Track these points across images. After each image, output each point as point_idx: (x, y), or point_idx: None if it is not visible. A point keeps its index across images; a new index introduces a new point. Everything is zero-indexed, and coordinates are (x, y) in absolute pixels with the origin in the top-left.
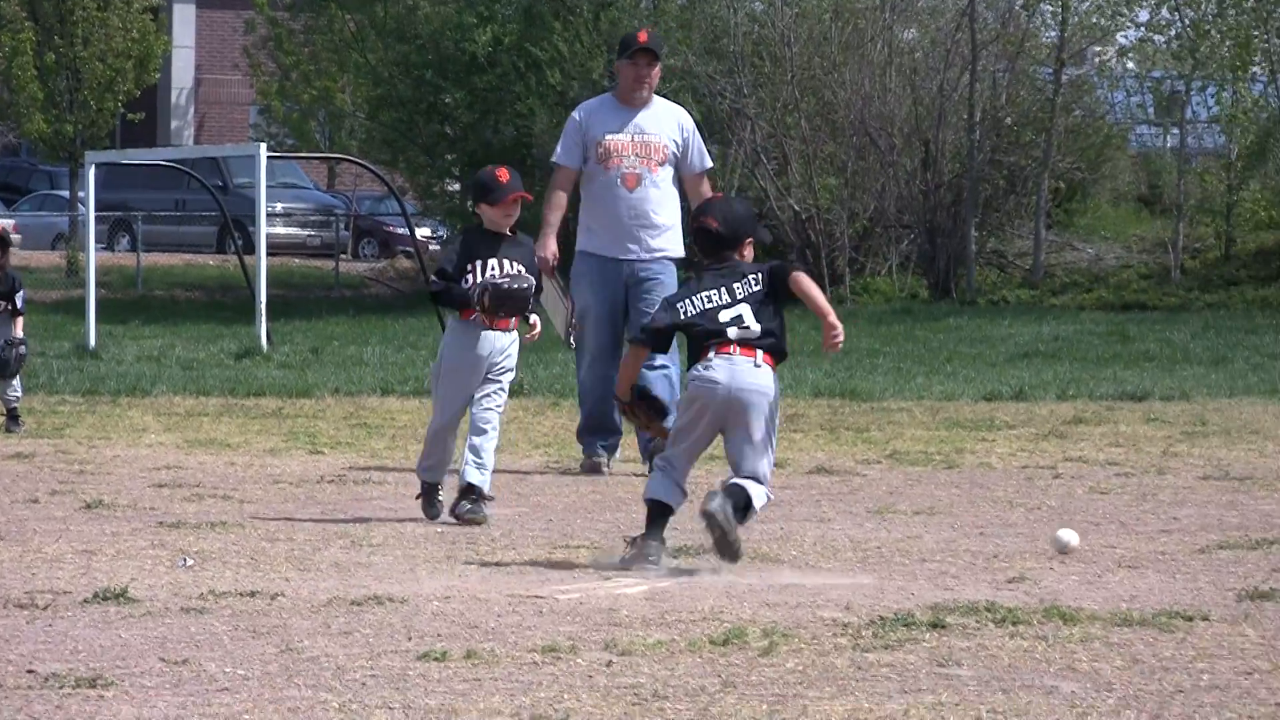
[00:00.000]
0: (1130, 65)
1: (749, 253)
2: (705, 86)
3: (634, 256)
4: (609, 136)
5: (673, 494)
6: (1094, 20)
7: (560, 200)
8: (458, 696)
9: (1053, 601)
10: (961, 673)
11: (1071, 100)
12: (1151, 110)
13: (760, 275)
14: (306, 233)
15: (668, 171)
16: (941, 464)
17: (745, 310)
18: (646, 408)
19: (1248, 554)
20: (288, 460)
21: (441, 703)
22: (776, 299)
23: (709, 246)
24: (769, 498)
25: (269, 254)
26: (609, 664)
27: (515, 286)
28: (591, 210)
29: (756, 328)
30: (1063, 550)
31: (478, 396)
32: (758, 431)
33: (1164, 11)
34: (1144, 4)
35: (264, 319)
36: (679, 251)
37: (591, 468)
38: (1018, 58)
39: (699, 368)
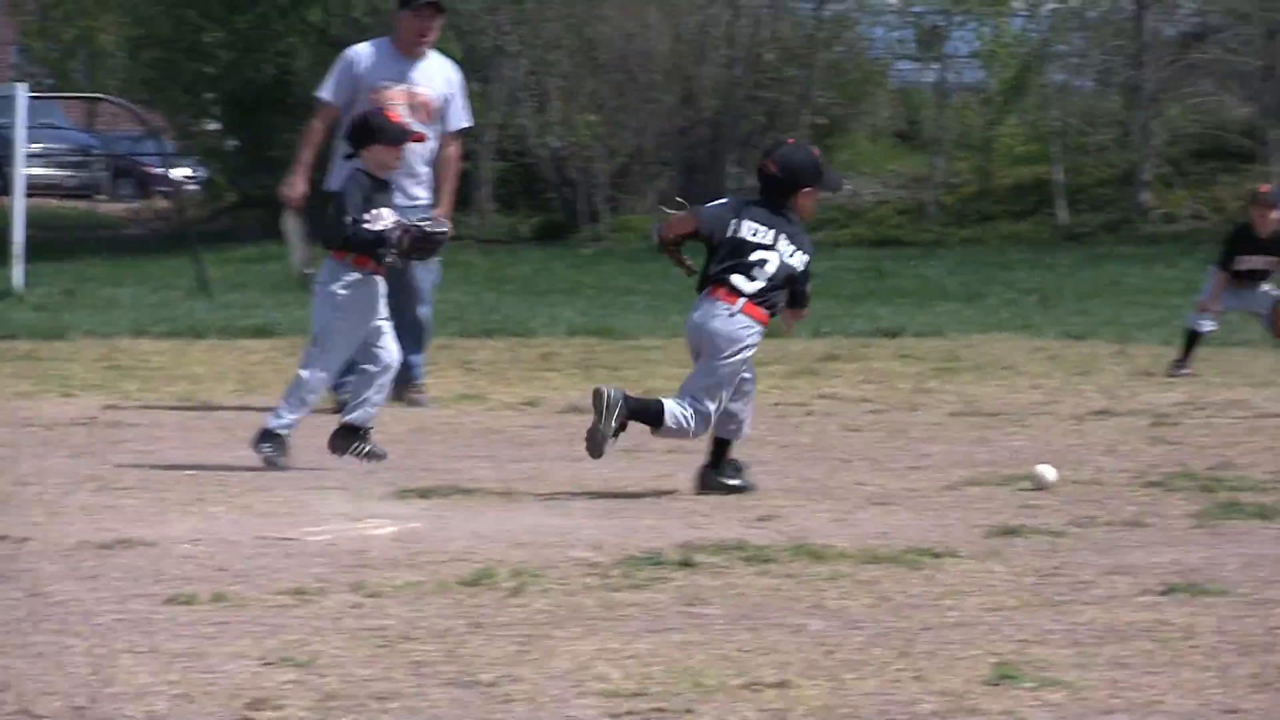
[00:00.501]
0: (892, 0)
1: (807, 203)
2: (467, 24)
3: (397, 203)
4: (384, 84)
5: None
6: None
7: (317, 138)
8: (205, 640)
9: (802, 539)
10: (710, 611)
11: (832, 36)
12: (912, 45)
13: (798, 263)
14: (64, 173)
15: (433, 126)
16: None
17: (771, 262)
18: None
19: (997, 490)
20: (39, 403)
21: (189, 646)
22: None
23: (765, 187)
24: (689, 424)
25: (26, 195)
26: (357, 606)
27: (436, 230)
28: None
29: (754, 286)
30: (1040, 486)
31: (372, 337)
32: (711, 370)
33: None
34: None
35: (21, 261)
36: (430, 199)
37: (343, 404)
38: None
39: (701, 300)
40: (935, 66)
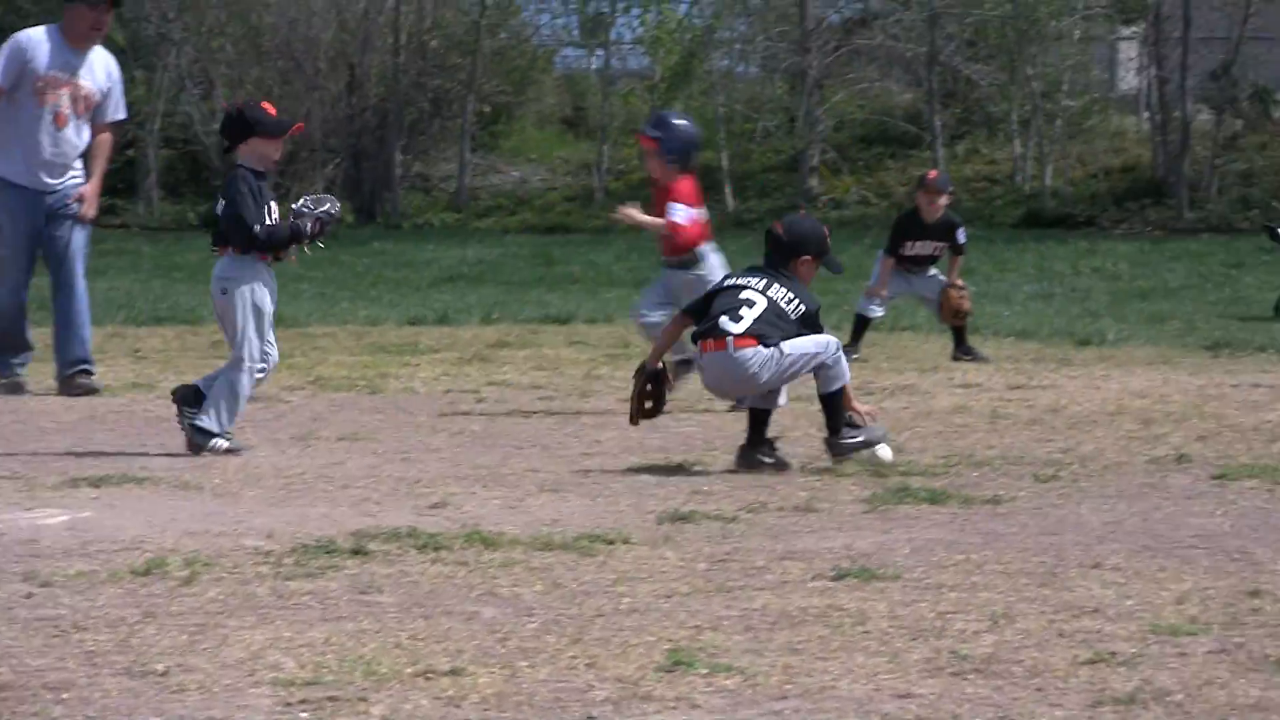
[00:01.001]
0: None
1: (806, 272)
2: (129, 11)
3: (52, 189)
4: (51, 73)
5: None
6: None
7: None
8: None
9: (474, 526)
10: (383, 599)
11: (497, 22)
12: (577, 32)
13: (799, 311)
14: None
15: (89, 118)
16: (365, 389)
17: (759, 304)
18: (652, 386)
19: (668, 477)
20: None
21: None
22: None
23: (769, 247)
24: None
25: None
26: (29, 596)
27: (335, 212)
28: (18, 139)
29: (741, 326)
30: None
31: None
32: (761, 388)
33: None
34: None
35: None
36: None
37: (12, 387)
38: None
39: (700, 358)
40: (600, 53)
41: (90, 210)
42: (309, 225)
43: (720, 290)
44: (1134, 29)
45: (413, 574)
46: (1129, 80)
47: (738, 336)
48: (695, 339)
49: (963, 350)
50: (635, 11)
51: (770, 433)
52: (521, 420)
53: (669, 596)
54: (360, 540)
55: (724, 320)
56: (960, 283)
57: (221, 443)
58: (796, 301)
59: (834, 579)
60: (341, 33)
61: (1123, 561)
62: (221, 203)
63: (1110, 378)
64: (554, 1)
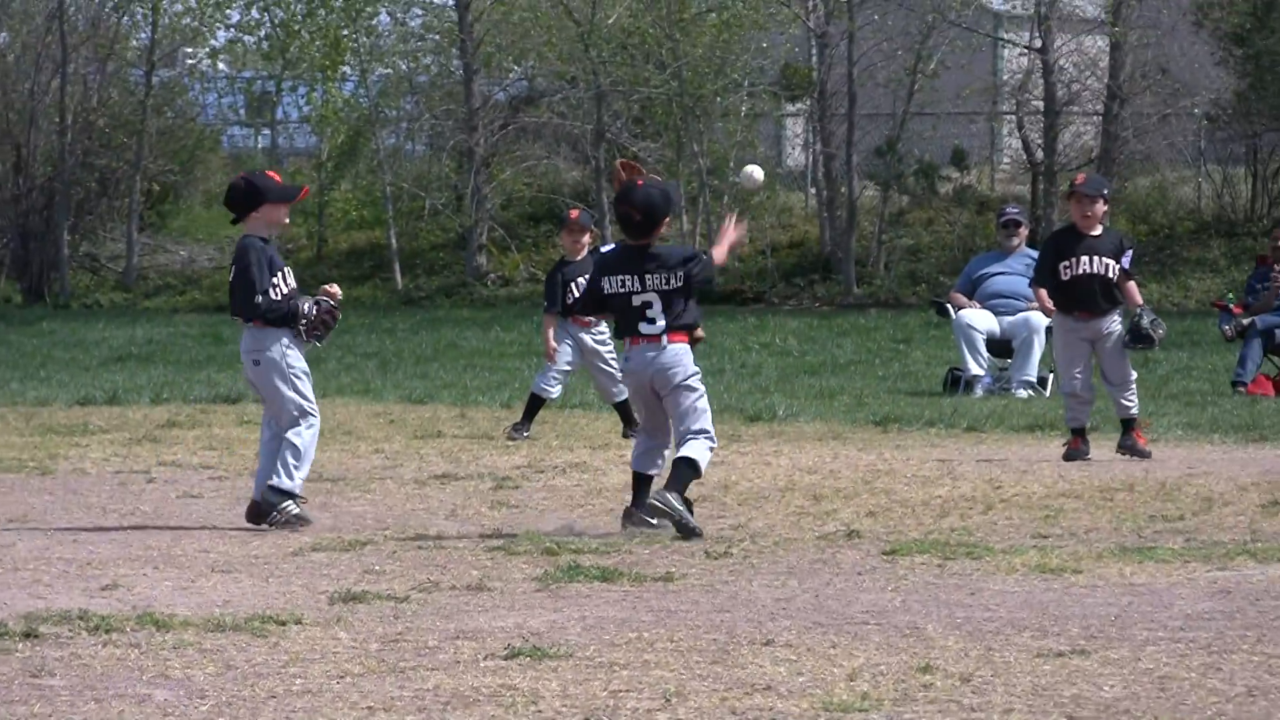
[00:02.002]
0: (223, 66)
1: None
2: None
3: None
4: None
5: (645, 464)
6: (185, 21)
7: None
8: None
9: (146, 608)
10: (55, 682)
11: (164, 102)
12: (244, 111)
13: (678, 271)
14: None
15: None
16: (35, 470)
17: (655, 303)
18: None
19: (341, 555)
20: None
21: None
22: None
23: (627, 229)
24: (711, 446)
25: None
26: None
27: (336, 308)
28: None
29: (662, 323)
30: (750, 183)
31: None
32: (683, 398)
33: (254, 12)
34: (235, 5)
35: None
36: None
37: None
38: (109, 59)
39: (623, 358)
40: (266, 132)
41: None
42: (307, 305)
43: (606, 295)
44: (799, 105)
45: (84, 657)
46: (795, 156)
47: (664, 333)
48: (621, 330)
49: None
50: (301, 90)
51: (691, 495)
52: (192, 500)
53: (342, 677)
54: (31, 623)
55: (643, 325)
56: None
57: (292, 506)
58: (671, 273)
59: (506, 658)
60: (7, 111)
61: (795, 638)
62: (233, 271)
63: (781, 453)
64: (220, 80)
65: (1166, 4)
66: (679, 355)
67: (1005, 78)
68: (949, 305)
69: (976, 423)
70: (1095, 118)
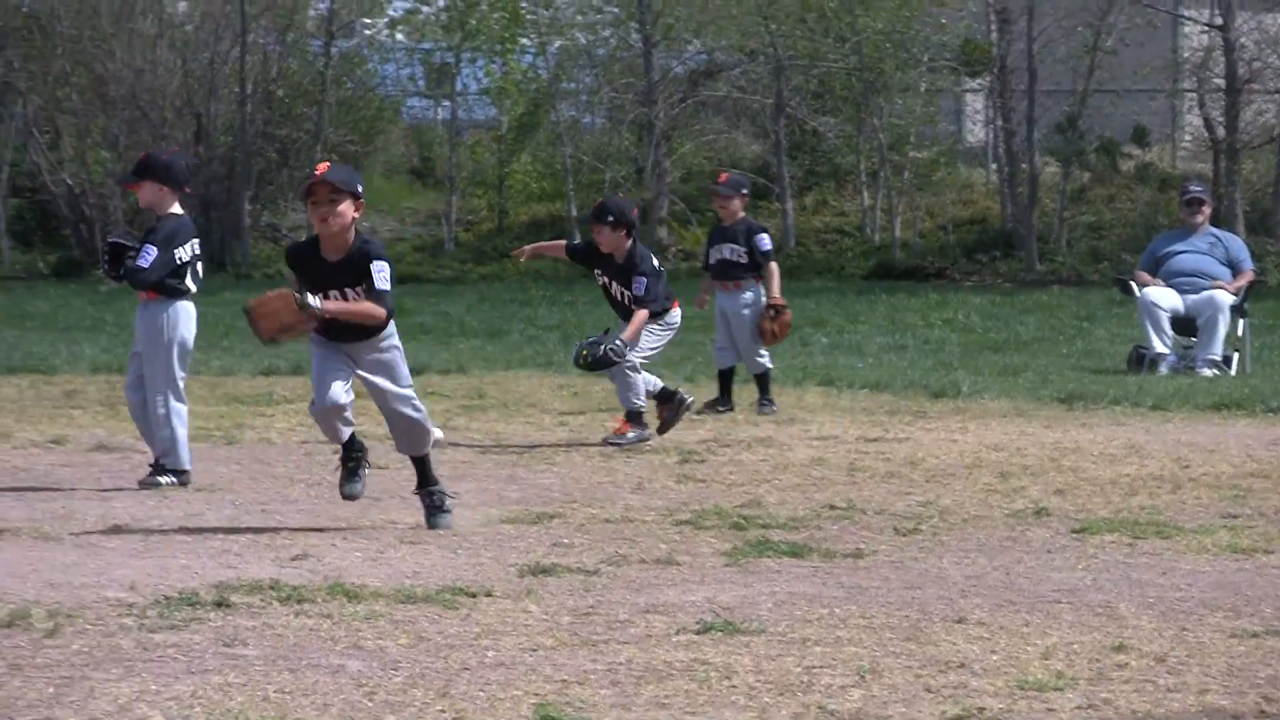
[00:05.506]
0: (401, 37)
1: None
2: None
3: None
4: None
5: None
6: None
7: None
8: None
9: (336, 578)
10: (248, 652)
11: (343, 73)
12: (422, 82)
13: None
14: None
15: None
16: (222, 439)
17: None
18: None
19: (529, 528)
20: None
21: None
22: None
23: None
24: None
25: None
26: None
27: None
28: None
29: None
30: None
31: None
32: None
33: None
34: None
35: None
36: None
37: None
38: (288, 30)
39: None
40: (446, 103)
41: None
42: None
43: None
44: (979, 81)
45: (277, 626)
46: (976, 133)
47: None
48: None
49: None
50: (480, 62)
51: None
52: (379, 471)
53: (534, 650)
54: (223, 592)
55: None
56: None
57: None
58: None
59: (698, 633)
60: (187, 81)
61: (987, 616)
62: None
63: (966, 430)
64: (399, 51)
65: None
66: None
67: (1186, 55)
68: (1132, 283)
69: (1162, 401)
70: (1277, 95)
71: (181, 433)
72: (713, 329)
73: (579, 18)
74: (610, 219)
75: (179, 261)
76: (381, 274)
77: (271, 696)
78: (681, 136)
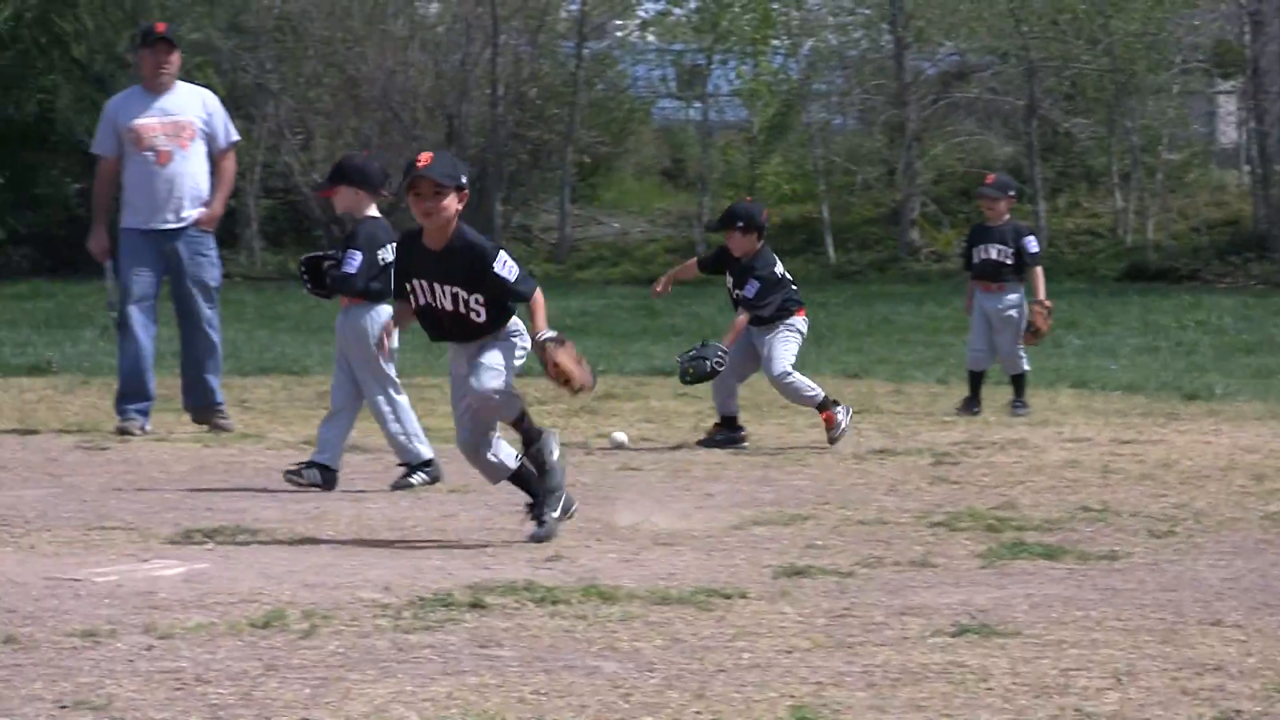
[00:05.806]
0: (652, 39)
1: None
2: (228, 61)
3: (172, 226)
4: (136, 121)
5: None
6: None
7: (104, 190)
8: None
9: (591, 580)
10: (503, 653)
11: (594, 74)
12: (674, 84)
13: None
14: None
15: (199, 146)
16: None
17: None
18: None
19: (783, 530)
20: None
21: None
22: None
23: None
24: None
25: None
26: (149, 648)
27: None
28: (131, 189)
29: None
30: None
31: None
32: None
33: None
34: None
35: None
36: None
37: (123, 430)
38: (539, 31)
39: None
40: (697, 105)
41: (206, 224)
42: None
43: None
44: (1232, 83)
45: (532, 628)
46: (1228, 134)
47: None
48: None
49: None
50: (731, 63)
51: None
52: (631, 472)
53: (789, 652)
54: (478, 593)
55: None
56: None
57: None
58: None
59: (954, 635)
60: (439, 82)
61: (1243, 619)
62: None
63: (1220, 432)
64: (650, 53)
65: None
66: None
67: None
68: None
69: None
70: None
71: (412, 425)
72: (964, 331)
73: (830, 19)
74: (740, 224)
75: (381, 264)
76: (506, 268)
77: (527, 698)
78: (933, 138)
